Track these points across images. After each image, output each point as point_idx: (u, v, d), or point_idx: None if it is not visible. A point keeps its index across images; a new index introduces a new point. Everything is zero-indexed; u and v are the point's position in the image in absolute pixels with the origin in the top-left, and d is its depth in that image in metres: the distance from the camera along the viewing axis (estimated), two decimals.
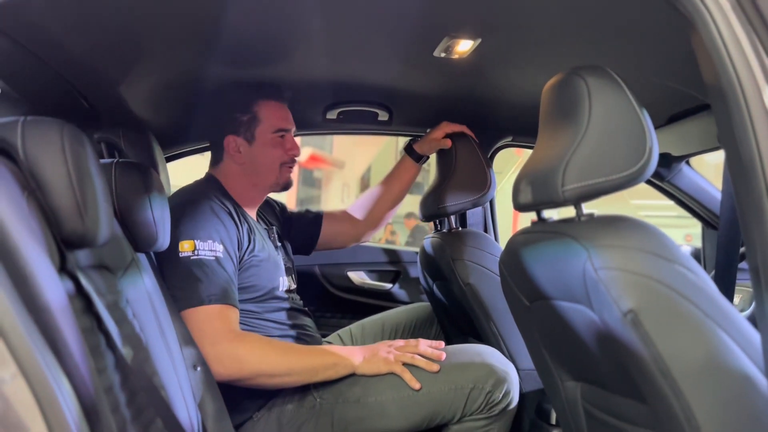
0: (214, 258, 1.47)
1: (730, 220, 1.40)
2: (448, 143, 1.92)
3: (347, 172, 14.06)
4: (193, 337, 1.39)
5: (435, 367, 1.49)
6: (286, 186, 1.75)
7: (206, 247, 1.48)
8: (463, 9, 1.23)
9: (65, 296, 0.80)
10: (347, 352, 1.52)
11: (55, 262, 0.87)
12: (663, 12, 0.92)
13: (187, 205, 1.54)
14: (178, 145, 2.12)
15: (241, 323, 1.52)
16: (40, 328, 0.69)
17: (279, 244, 1.80)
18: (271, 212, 1.93)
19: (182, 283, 1.45)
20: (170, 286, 1.45)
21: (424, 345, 1.56)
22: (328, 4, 1.21)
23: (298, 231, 2.00)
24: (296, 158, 1.73)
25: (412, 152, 2.00)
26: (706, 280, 0.87)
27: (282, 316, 1.66)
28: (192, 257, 1.46)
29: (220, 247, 1.49)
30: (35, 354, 0.64)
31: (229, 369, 1.42)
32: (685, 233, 7.22)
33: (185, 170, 2.29)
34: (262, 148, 1.67)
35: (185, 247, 1.47)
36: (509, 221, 6.59)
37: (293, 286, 1.78)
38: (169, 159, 2.12)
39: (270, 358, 1.45)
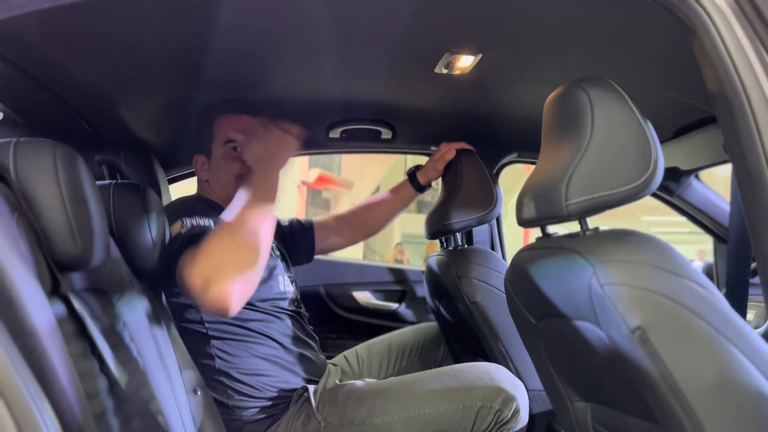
0: (207, 225, 1.40)
1: (740, 232, 1.37)
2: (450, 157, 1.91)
3: (356, 192, 14.06)
4: None
5: None
6: None
7: (195, 222, 1.40)
8: (463, 25, 1.22)
9: (53, 320, 0.78)
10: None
11: (46, 284, 0.86)
12: (665, 22, 0.90)
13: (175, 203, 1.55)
14: (180, 167, 2.12)
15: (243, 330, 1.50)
16: (25, 353, 0.67)
17: (278, 253, 1.77)
18: None
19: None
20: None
21: None
22: (328, 23, 1.20)
23: (296, 242, 1.98)
24: None
25: (413, 180, 1.99)
26: (716, 295, 0.84)
27: (287, 324, 1.62)
28: (182, 232, 1.38)
29: (210, 222, 1.42)
30: (17, 379, 0.62)
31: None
32: (698, 249, 7.16)
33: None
34: (217, 162, 1.63)
35: (175, 229, 1.39)
36: (519, 238, 6.55)
37: (294, 291, 1.73)
38: (171, 181, 2.11)
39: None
